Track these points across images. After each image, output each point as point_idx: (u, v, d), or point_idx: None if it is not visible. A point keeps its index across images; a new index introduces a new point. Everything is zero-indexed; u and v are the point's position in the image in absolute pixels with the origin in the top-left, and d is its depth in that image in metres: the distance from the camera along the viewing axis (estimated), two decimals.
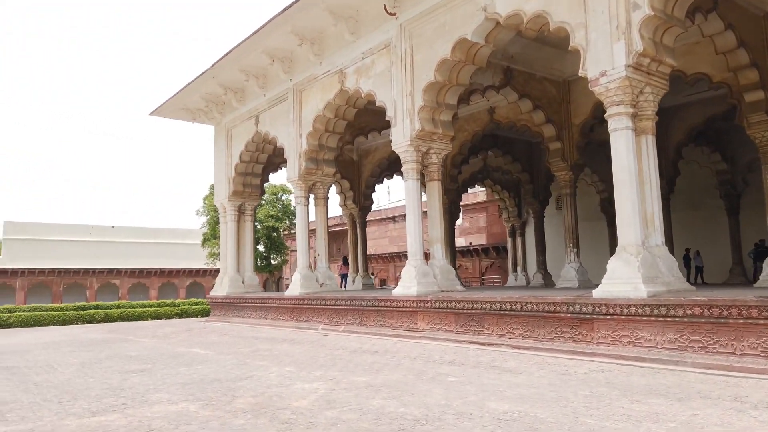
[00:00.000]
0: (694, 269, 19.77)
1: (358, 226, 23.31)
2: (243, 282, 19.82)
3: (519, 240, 29.31)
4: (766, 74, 11.78)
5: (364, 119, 17.62)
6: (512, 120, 16.82)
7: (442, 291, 12.10)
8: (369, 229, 28.20)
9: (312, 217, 16.98)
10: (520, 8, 9.92)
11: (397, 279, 36.40)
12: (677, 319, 7.59)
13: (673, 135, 17.96)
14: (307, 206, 16.24)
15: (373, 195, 23.80)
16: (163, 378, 7.96)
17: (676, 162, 18.08)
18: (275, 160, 20.39)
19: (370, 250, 34.59)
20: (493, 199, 31.64)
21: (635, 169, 8.58)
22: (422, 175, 12.70)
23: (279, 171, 21.45)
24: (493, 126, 17.86)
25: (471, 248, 33.15)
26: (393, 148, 12.70)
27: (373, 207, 26.69)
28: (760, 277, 11.95)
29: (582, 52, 9.07)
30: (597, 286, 8.89)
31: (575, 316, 8.75)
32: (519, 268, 29.03)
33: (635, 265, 8.29)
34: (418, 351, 10.03)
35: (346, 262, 21.91)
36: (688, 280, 9.69)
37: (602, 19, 8.72)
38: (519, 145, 22.11)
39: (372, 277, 26.55)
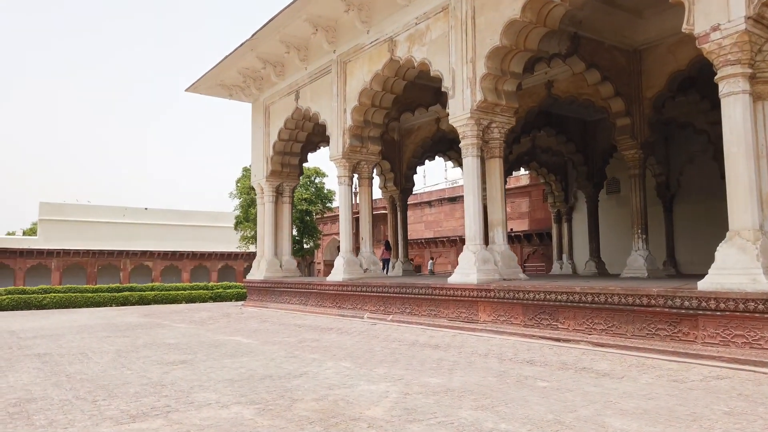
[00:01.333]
0: None
1: (398, 209, 22.23)
2: (281, 266, 19.00)
3: (565, 226, 27.94)
4: None
5: (411, 94, 16.47)
6: (573, 94, 15.45)
7: (504, 279, 10.99)
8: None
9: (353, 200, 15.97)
10: None
11: (437, 265, 35.43)
12: None
13: None
14: (351, 186, 15.24)
15: (415, 177, 22.69)
16: (208, 372, 7.07)
17: None
18: (314, 138, 19.42)
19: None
20: (537, 183, 30.24)
21: (753, 140, 7.30)
22: (482, 151, 11.53)
23: (318, 150, 20.50)
24: (550, 101, 16.51)
25: (512, 234, 31.82)
26: (450, 122, 11.55)
27: (414, 190, 25.59)
28: None
29: (687, 4, 7.77)
30: (667, 276, 7.71)
31: (675, 311, 7.56)
32: (565, 256, 27.69)
33: (753, 253, 7.05)
34: (484, 346, 8.98)
35: (388, 246, 20.90)
36: None
37: None
38: (573, 124, 20.71)
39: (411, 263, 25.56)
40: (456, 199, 37.22)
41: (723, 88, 7.42)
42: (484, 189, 11.71)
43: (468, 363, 7.50)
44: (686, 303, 7.42)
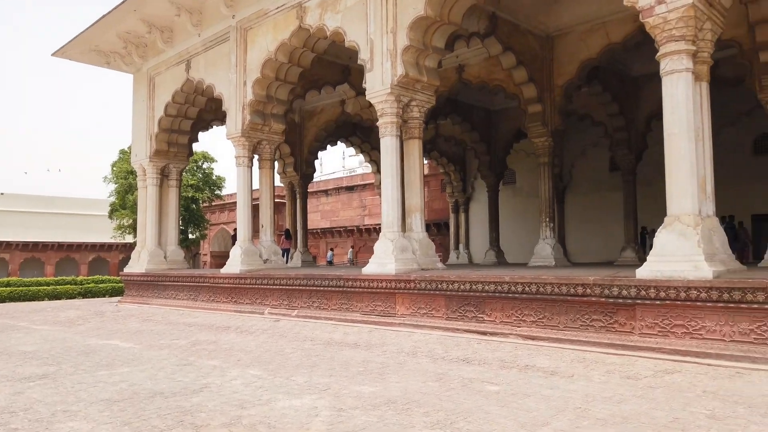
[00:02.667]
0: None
1: (298, 196, 20.90)
2: (165, 257, 16.98)
3: (463, 216, 28.13)
4: None
5: (318, 71, 15.26)
6: (484, 79, 15.08)
7: (423, 269, 10.22)
8: None
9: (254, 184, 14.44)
10: None
11: (335, 256, 34.37)
12: (755, 306, 6.13)
13: (644, 106, 17.01)
14: (251, 168, 13.73)
15: (316, 163, 21.47)
16: (76, 390, 5.52)
17: (645, 135, 17.15)
18: (206, 116, 17.55)
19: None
20: (436, 173, 30.14)
21: (693, 121, 7.01)
22: (401, 131, 10.63)
23: (211, 129, 18.62)
24: (459, 86, 16.07)
25: None
26: (368, 97, 10.53)
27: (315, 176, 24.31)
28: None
29: None
30: (573, 264, 7.36)
31: (612, 300, 7.13)
32: (461, 246, 27.86)
33: (694, 239, 6.76)
34: (408, 343, 8.11)
35: (288, 235, 19.51)
36: None
37: None
38: (477, 113, 20.58)
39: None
40: (354, 189, 36.39)
41: (666, 65, 7.06)
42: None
43: (398, 364, 6.57)
44: (624, 292, 7.01)
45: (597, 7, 12.97)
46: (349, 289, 10.37)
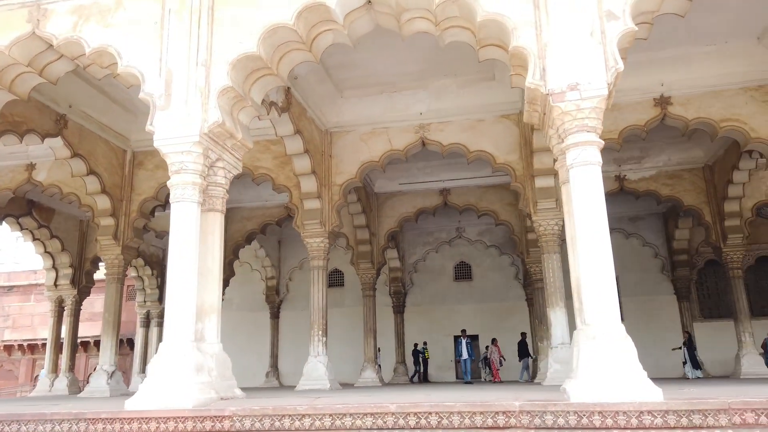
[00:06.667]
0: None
1: None
2: None
3: (155, 331, 23.62)
4: None
5: (25, 111, 10.87)
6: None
7: (222, 399, 6.97)
8: None
9: None
10: None
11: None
12: None
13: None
14: None
15: None
16: None
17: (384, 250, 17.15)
18: None
19: None
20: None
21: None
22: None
23: None
24: None
25: (80, 341, 24.85)
26: (157, 144, 7.23)
27: None
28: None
29: (531, 58, 6.75)
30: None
31: None
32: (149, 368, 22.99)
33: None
34: None
35: None
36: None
37: None
38: None
39: None
40: (12, 289, 27.42)
41: (575, 157, 6.43)
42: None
43: None
44: (561, 420, 5.57)
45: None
46: None
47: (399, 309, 20.91)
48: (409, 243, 21.94)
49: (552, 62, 6.60)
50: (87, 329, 25.43)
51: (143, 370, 23.10)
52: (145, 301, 23.56)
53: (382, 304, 19.91)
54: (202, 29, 7.66)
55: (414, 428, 5.76)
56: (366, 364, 15.89)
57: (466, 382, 16.23)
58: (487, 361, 18.79)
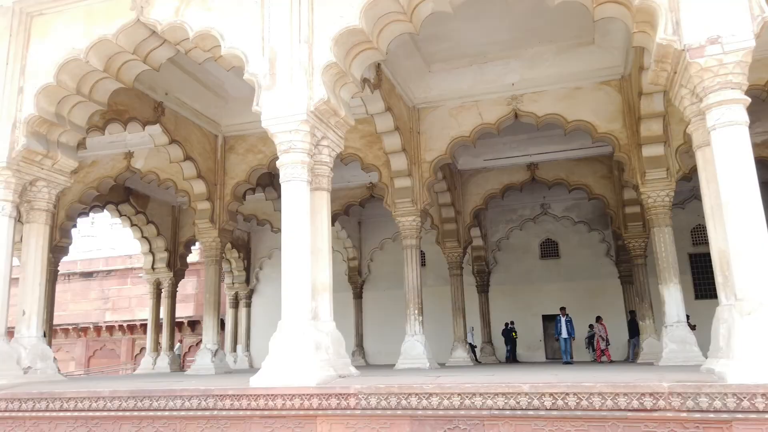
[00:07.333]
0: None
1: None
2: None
3: (243, 311, 24.36)
4: None
5: (124, 100, 11.21)
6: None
7: (340, 376, 6.95)
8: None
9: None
10: None
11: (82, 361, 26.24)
12: None
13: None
14: (15, 219, 8.57)
15: (74, 232, 15.88)
16: None
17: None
18: None
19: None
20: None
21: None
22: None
23: None
24: None
25: (176, 320, 26.08)
26: (265, 124, 7.24)
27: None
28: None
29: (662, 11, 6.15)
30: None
31: (699, 416, 5.16)
32: (240, 347, 23.88)
33: None
34: None
35: None
36: None
37: None
38: None
39: None
40: (92, 275, 29.18)
41: (718, 117, 5.84)
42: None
43: None
44: (717, 403, 5.12)
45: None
46: (224, 413, 6.36)
47: (483, 288, 20.50)
48: (491, 221, 21.43)
49: (687, 14, 6.00)
50: (179, 310, 26.63)
51: (234, 349, 23.97)
52: (233, 283, 24.34)
53: (466, 284, 19.54)
54: (303, 6, 7.53)
55: (550, 409, 5.47)
56: (456, 343, 15.66)
57: (565, 362, 15.70)
58: (591, 340, 18.14)
